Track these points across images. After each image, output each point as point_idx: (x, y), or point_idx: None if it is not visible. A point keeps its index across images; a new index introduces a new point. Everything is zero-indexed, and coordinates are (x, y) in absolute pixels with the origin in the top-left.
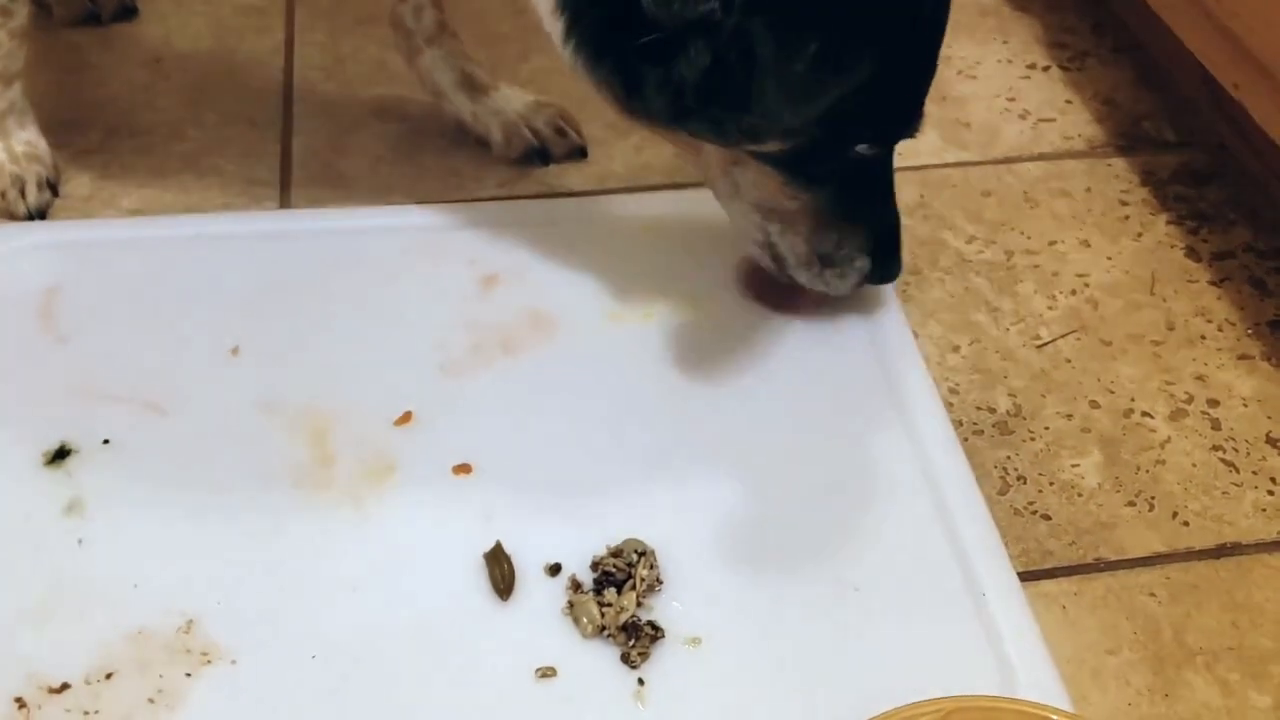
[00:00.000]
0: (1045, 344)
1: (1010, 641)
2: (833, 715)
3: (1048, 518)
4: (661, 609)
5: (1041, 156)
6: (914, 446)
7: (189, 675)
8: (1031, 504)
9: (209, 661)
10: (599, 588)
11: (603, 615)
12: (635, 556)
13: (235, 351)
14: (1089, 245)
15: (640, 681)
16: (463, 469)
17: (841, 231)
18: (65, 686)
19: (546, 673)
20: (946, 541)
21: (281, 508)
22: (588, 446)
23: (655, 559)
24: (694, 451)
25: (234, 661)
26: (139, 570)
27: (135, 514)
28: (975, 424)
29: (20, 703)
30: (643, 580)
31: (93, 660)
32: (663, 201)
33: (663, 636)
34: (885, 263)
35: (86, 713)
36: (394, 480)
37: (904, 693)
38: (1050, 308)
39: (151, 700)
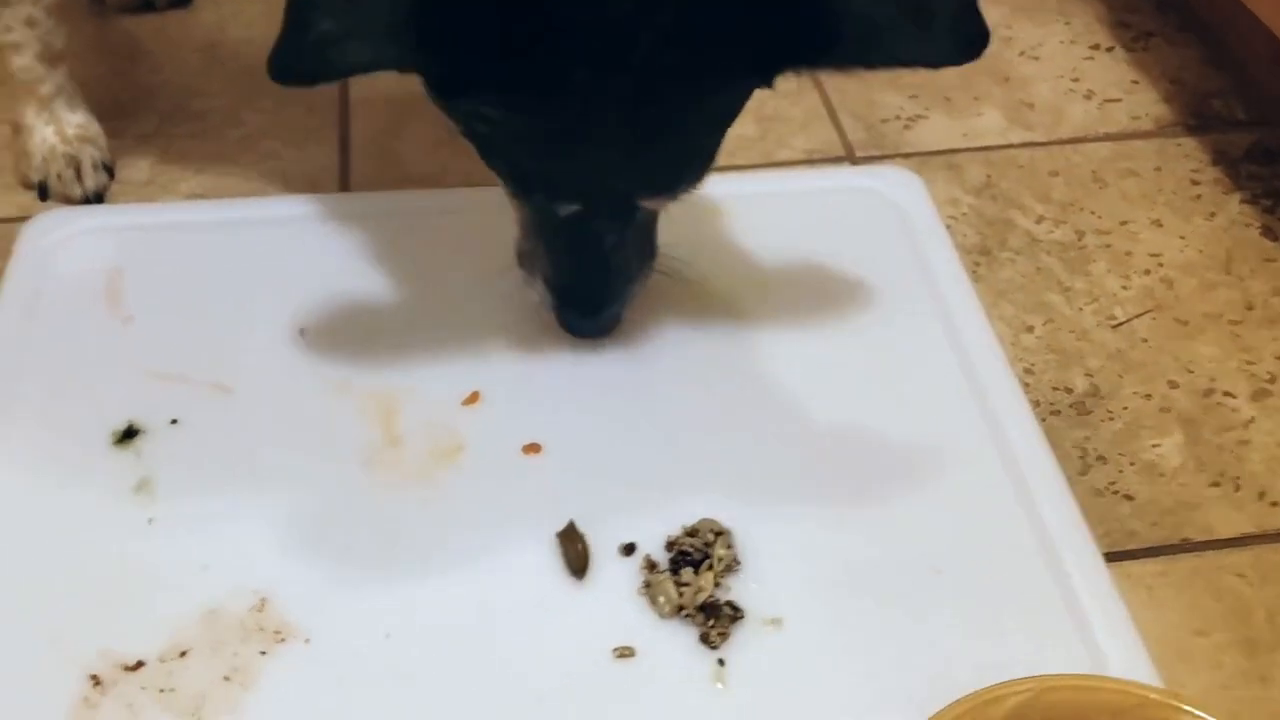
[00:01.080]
0: (1121, 324)
1: (1098, 623)
2: (916, 697)
3: (1130, 498)
4: (740, 590)
5: (1108, 136)
6: (991, 428)
7: (263, 653)
8: (1113, 484)
9: (282, 640)
10: (675, 568)
11: (680, 595)
12: (712, 536)
13: (302, 333)
14: (1161, 225)
15: (720, 662)
16: (532, 449)
17: (548, 268)
18: (140, 664)
19: (624, 652)
20: (1028, 522)
21: (351, 487)
22: (661, 426)
23: (732, 539)
24: (769, 434)
25: (308, 640)
26: (209, 549)
27: (204, 493)
28: (1052, 404)
29: (95, 680)
30: (720, 560)
31: (167, 638)
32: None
33: (742, 617)
34: (568, 316)
35: (162, 690)
36: (462, 460)
37: (989, 674)
38: (1124, 287)
39: (227, 678)
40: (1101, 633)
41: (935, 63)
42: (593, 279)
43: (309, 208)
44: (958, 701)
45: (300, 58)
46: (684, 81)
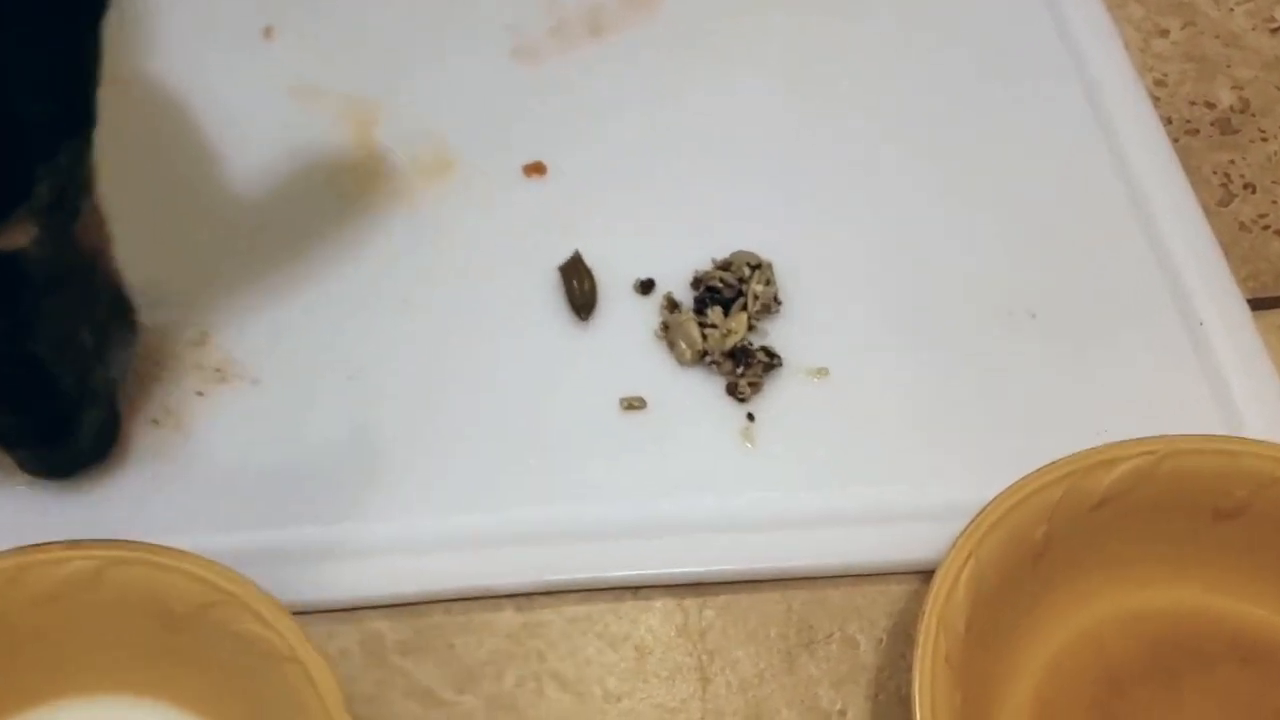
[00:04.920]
0: None
1: (1237, 382)
2: (996, 468)
3: None
4: (778, 334)
5: None
6: (1111, 146)
7: (200, 395)
8: (1263, 217)
9: (224, 380)
10: (700, 307)
11: (705, 339)
12: (748, 270)
13: (268, 33)
14: None
15: (750, 417)
16: (535, 169)
17: None
18: None
19: (634, 404)
20: (1154, 259)
21: (319, 205)
22: (689, 145)
23: (773, 274)
24: (824, 152)
25: (255, 381)
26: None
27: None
28: (1189, 122)
29: None
30: (756, 298)
31: None
32: None
33: (779, 365)
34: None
35: None
36: (453, 178)
37: (1094, 437)
38: None
39: (156, 421)
40: (1240, 392)
41: None
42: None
43: None
44: (1056, 463)
45: None
46: None
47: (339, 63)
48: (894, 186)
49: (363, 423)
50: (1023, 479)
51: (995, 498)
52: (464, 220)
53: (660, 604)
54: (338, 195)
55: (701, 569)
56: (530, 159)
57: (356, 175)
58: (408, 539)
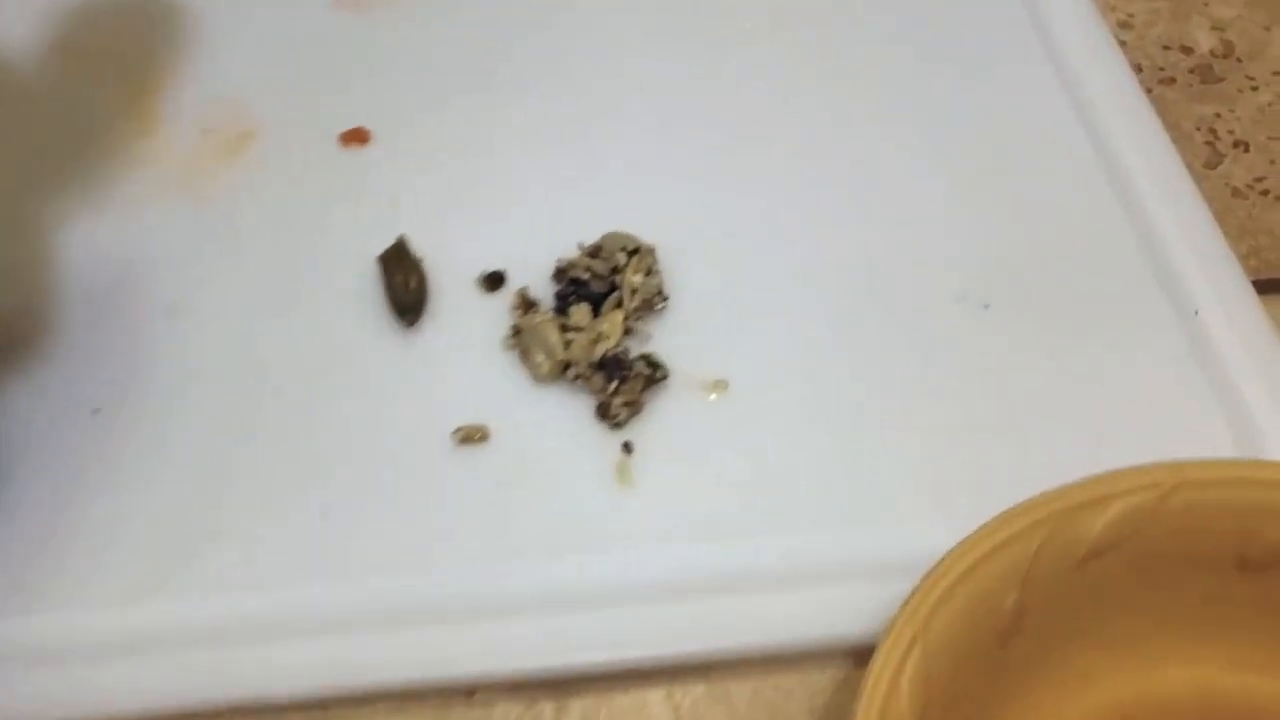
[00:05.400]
0: None
1: (1245, 380)
2: (949, 503)
3: None
4: (664, 339)
5: None
6: (1073, 102)
7: None
8: (1259, 181)
9: None
10: (563, 305)
11: (568, 346)
12: (623, 258)
13: None
14: None
15: (626, 448)
16: (355, 137)
17: None
18: None
19: (472, 435)
20: (1133, 234)
21: (77, 190)
22: (549, 107)
23: (655, 261)
24: (719, 109)
25: None
26: None
27: None
28: (1162, 70)
29: None
30: (634, 292)
31: None
32: None
33: (665, 378)
34: None
35: None
36: (251, 152)
37: (1074, 466)
38: None
39: None
40: (1253, 397)
41: None
42: None
43: None
44: (1028, 503)
45: None
46: None
47: (114, 13)
48: (811, 150)
49: (98, 471)
50: (983, 528)
51: (947, 554)
52: (261, 203)
53: (503, 709)
54: (102, 177)
55: (559, 661)
56: (349, 125)
57: (130, 153)
58: (129, 631)
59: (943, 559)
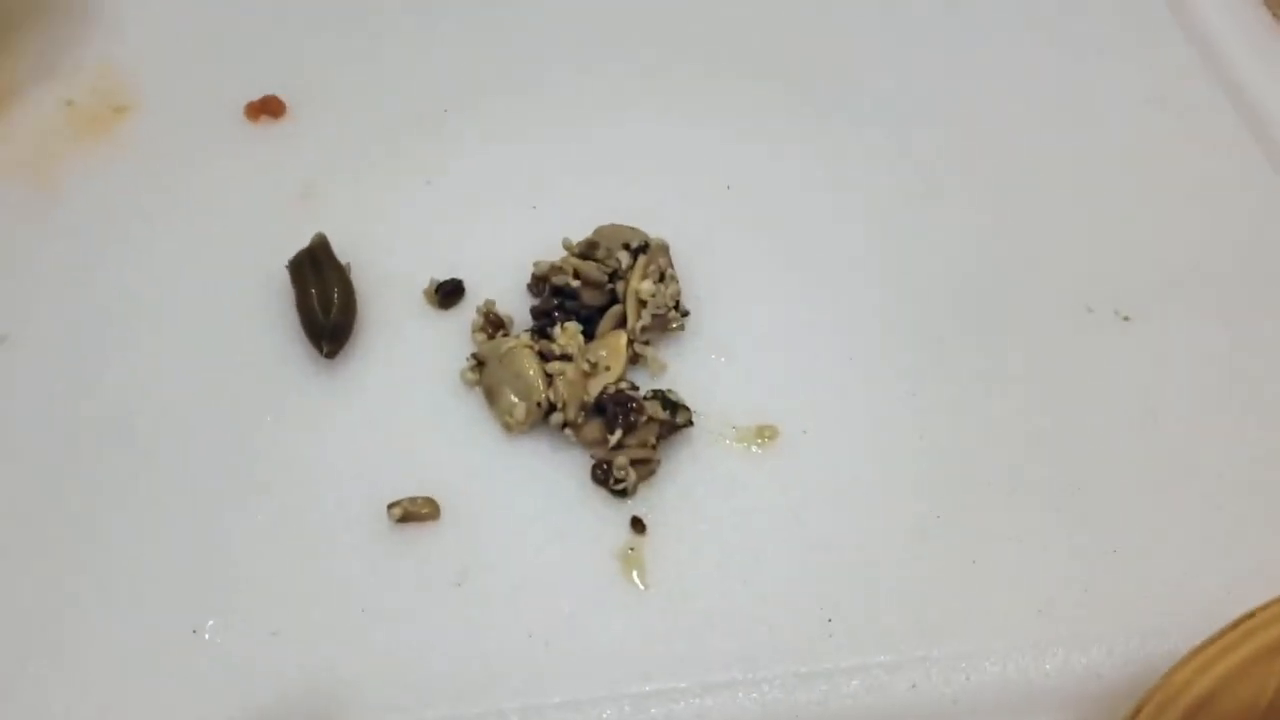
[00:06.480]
0: None
1: None
2: (1146, 600)
3: None
4: (685, 369)
5: None
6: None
7: None
8: None
9: None
10: (543, 324)
11: (550, 382)
12: (626, 257)
13: None
14: None
15: (637, 525)
16: (265, 108)
17: None
18: None
19: (415, 511)
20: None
21: None
22: (530, 70)
23: (671, 263)
24: (752, 74)
25: None
26: None
27: None
28: None
29: None
30: (643, 304)
31: None
32: None
33: (689, 423)
34: None
35: None
36: (130, 129)
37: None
38: None
39: None
40: None
41: None
42: None
43: None
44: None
45: None
46: None
47: None
48: (882, 133)
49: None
50: (1210, 641)
51: (1160, 680)
52: (139, 195)
53: None
54: None
55: None
56: (258, 93)
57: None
58: None
59: (1158, 684)
